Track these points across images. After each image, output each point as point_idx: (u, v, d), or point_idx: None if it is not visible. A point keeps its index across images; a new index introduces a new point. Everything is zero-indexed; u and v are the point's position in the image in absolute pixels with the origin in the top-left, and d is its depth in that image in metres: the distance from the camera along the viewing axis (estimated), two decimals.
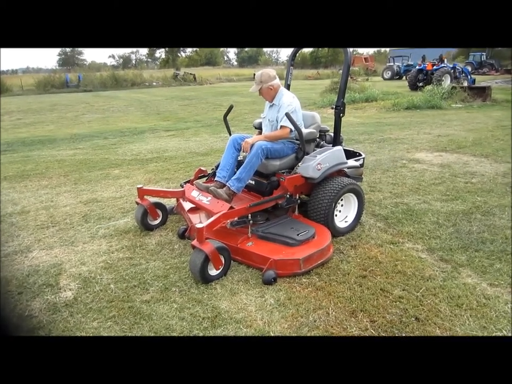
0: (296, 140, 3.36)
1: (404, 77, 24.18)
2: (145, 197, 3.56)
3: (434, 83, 14.38)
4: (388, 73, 27.47)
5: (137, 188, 3.54)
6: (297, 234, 2.93)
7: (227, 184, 3.21)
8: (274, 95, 3.37)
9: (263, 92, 3.34)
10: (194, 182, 3.57)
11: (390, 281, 2.67)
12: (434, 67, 16.97)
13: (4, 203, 4.40)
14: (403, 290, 2.57)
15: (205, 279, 2.67)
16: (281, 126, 3.25)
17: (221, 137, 7.90)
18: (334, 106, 3.48)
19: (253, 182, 3.40)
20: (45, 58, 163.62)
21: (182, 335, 2.20)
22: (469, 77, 17.21)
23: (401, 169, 5.36)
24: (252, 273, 2.82)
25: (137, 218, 3.54)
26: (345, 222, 3.44)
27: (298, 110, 3.35)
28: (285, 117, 3.12)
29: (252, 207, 3.05)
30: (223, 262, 2.77)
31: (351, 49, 3.40)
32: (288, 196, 3.24)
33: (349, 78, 19.04)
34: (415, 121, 9.40)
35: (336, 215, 3.32)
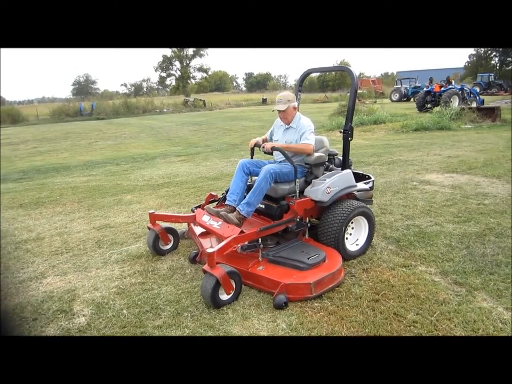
0: (306, 163, 3.42)
1: (412, 99, 24.38)
2: (157, 222, 3.62)
3: (443, 104, 14.47)
4: (396, 95, 27.73)
5: (149, 213, 3.60)
6: (308, 258, 2.93)
7: (237, 208, 3.24)
8: (293, 117, 3.46)
9: (287, 111, 3.40)
10: (205, 207, 3.60)
11: (404, 305, 2.63)
12: (442, 89, 17.11)
13: (20, 230, 4.49)
14: (417, 314, 2.53)
15: (216, 303, 2.66)
16: (304, 143, 3.32)
17: (231, 162, 8.02)
18: (342, 130, 3.54)
19: (263, 206, 3.42)
20: (60, 88, 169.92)
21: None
22: (477, 97, 17.28)
23: (412, 191, 5.34)
24: (263, 297, 2.81)
25: (149, 243, 3.58)
26: (356, 245, 3.42)
27: (314, 133, 3.48)
28: (308, 135, 3.30)
29: (262, 231, 3.06)
30: (234, 286, 2.76)
31: (357, 72, 3.42)
32: (297, 219, 3.25)
33: (357, 101, 19.28)
34: (424, 143, 9.42)
35: (347, 238, 3.31)
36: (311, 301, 2.73)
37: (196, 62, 52.42)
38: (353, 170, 3.82)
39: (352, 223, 3.35)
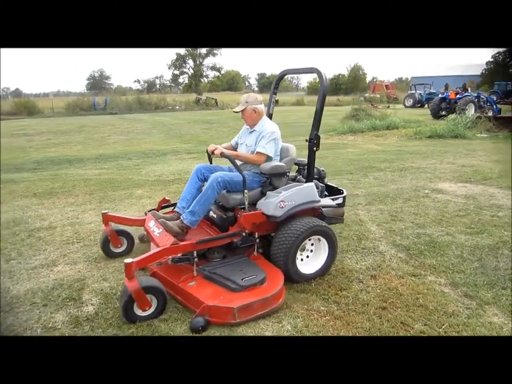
0: (262, 173, 3.14)
1: (426, 105, 24.13)
2: (110, 223, 3.44)
3: (458, 112, 14.28)
4: (410, 101, 27.47)
5: (102, 213, 3.39)
6: (242, 279, 2.65)
7: (181, 217, 3.02)
8: (256, 121, 3.25)
9: (246, 114, 3.21)
10: (150, 212, 3.35)
11: (411, 315, 2.60)
12: (458, 96, 16.88)
13: (33, 218, 4.57)
14: (424, 325, 2.50)
15: (129, 318, 2.45)
16: (257, 152, 3.12)
17: None
18: (307, 139, 3.15)
19: (215, 216, 3.16)
20: (75, 82, 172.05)
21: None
22: (494, 106, 17.00)
23: (424, 199, 5.28)
24: None
25: (100, 245, 3.43)
26: (313, 267, 3.08)
27: (279, 140, 3.23)
28: (264, 144, 3.08)
29: (199, 244, 2.80)
30: (153, 303, 2.52)
31: (325, 75, 3.00)
32: (244, 234, 2.95)
33: (370, 105, 18.96)
34: (437, 150, 9.32)
35: (302, 260, 3.04)
36: (317, 304, 2.72)
37: (208, 61, 52.61)
38: (327, 183, 3.67)
39: (312, 244, 3.09)
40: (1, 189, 6.04)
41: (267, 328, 2.46)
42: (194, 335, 2.37)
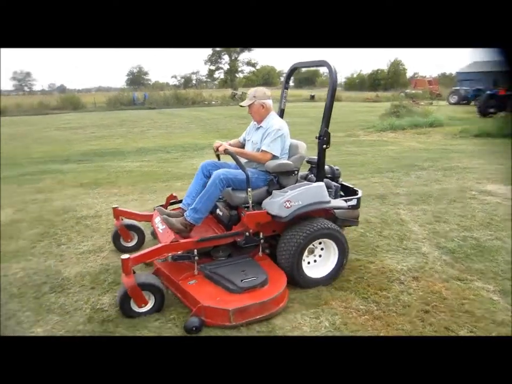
0: (273, 171, 2.98)
1: (472, 102, 22.89)
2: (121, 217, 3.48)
3: (509, 110, 13.44)
4: (454, 98, 26.15)
5: (112, 208, 3.43)
6: (242, 280, 2.56)
7: (184, 214, 2.95)
8: (264, 116, 3.12)
9: (253, 109, 3.09)
10: (156, 208, 3.32)
11: (456, 321, 2.49)
12: (508, 92, 15.86)
13: (80, 206, 4.83)
14: (470, 332, 2.38)
15: (127, 314, 2.46)
16: (262, 150, 3.00)
17: None
18: (317, 136, 2.98)
19: (221, 213, 3.08)
20: (115, 78, 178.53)
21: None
22: None
23: (470, 200, 5.03)
24: (307, 293, 2.80)
25: (112, 239, 3.48)
26: (321, 272, 2.92)
27: (287, 137, 3.09)
28: (269, 142, 2.95)
29: (200, 242, 2.73)
30: (150, 300, 2.51)
31: (335, 68, 2.82)
32: (248, 234, 2.84)
33: (411, 101, 18.24)
34: (486, 150, 8.83)
35: (308, 263, 2.90)
36: (356, 302, 2.67)
37: (244, 56, 52.57)
38: (342, 183, 3.48)
39: (322, 248, 2.93)
40: (51, 179, 6.42)
41: (304, 323, 2.46)
42: (190, 335, 2.32)
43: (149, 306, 2.51)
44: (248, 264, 2.80)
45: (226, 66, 52.27)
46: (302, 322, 2.47)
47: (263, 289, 2.57)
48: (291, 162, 3.02)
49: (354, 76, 60.64)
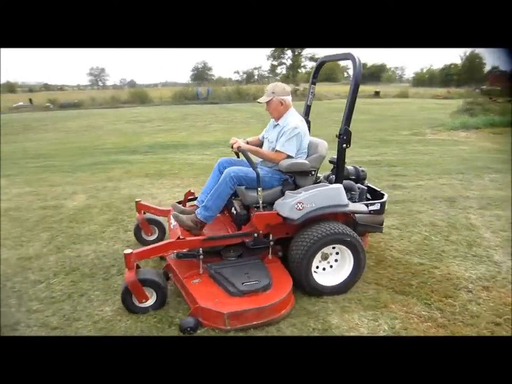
0: (286, 171, 2.85)
1: None
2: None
3: None
4: None
5: (136, 201, 3.53)
6: (243, 283, 2.47)
7: (195, 211, 2.91)
8: (282, 113, 2.96)
9: (271, 105, 2.94)
10: (172, 204, 3.29)
11: None
12: None
13: (145, 196, 5.13)
14: None
15: (129, 309, 2.50)
16: (277, 150, 2.87)
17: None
18: (337, 135, 2.79)
19: (235, 212, 2.99)
20: (181, 73, 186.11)
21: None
22: None
23: None
24: (365, 294, 2.74)
25: (133, 232, 3.56)
26: (332, 281, 2.75)
27: (304, 136, 2.91)
28: (284, 142, 2.81)
29: (207, 241, 2.70)
30: (151, 296, 2.52)
31: (359, 61, 2.62)
32: (256, 235, 2.74)
33: (488, 99, 16.73)
34: None
35: (324, 269, 2.76)
36: (418, 308, 2.55)
37: (307, 51, 51.87)
38: (368, 185, 3.26)
39: (337, 253, 2.75)
40: (120, 168, 6.90)
41: (362, 325, 2.40)
42: (185, 335, 2.29)
43: (151, 302, 2.53)
44: (254, 267, 2.68)
45: (288, 62, 52.02)
46: (360, 323, 2.42)
47: (264, 293, 2.45)
48: (307, 162, 2.84)
49: (424, 71, 57.18)
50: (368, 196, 3.24)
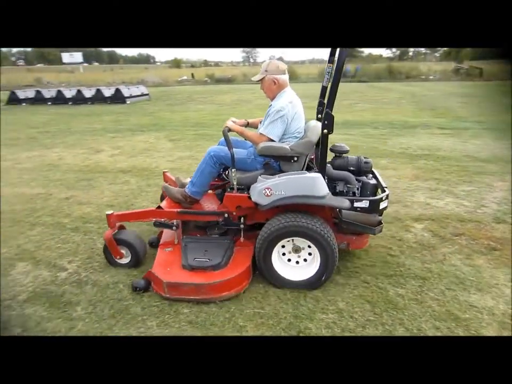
0: (260, 154, 2.71)
1: None
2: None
3: None
4: None
5: (163, 172, 3.77)
6: (194, 259, 2.61)
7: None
8: (275, 93, 2.81)
9: (264, 85, 2.81)
10: (175, 177, 3.51)
11: None
12: None
13: None
14: None
15: (109, 262, 2.91)
16: (260, 133, 2.73)
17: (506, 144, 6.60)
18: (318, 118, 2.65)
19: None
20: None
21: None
22: None
23: None
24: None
25: (160, 200, 3.67)
26: (298, 275, 2.60)
27: (293, 119, 2.70)
28: (267, 124, 2.68)
29: (181, 214, 2.90)
30: (126, 255, 2.87)
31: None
32: (226, 215, 2.81)
33: None
34: None
35: (297, 262, 2.64)
36: None
37: None
38: (377, 176, 2.84)
39: (310, 247, 2.56)
40: None
41: None
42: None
43: (126, 260, 2.89)
44: (217, 246, 2.77)
45: None
46: None
47: (212, 272, 2.54)
48: (284, 146, 2.64)
49: None
50: (380, 192, 2.76)
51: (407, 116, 10.53)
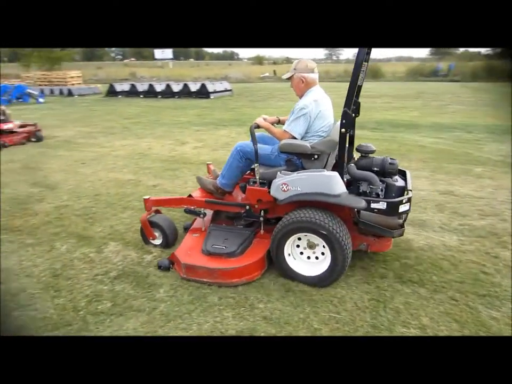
0: (281, 151, 2.82)
1: None
2: None
3: None
4: None
5: (207, 164, 3.79)
6: (212, 245, 2.80)
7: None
8: (303, 91, 2.86)
9: (293, 83, 2.88)
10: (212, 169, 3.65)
11: None
12: None
13: None
14: None
15: (144, 241, 3.21)
16: (284, 130, 2.82)
17: None
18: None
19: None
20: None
21: None
22: None
23: None
24: None
25: None
26: (310, 271, 2.64)
27: (317, 117, 2.75)
28: (291, 121, 2.77)
29: (208, 203, 3.11)
30: (159, 237, 3.14)
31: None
32: (248, 207, 2.93)
33: None
34: None
35: (308, 257, 2.68)
36: None
37: None
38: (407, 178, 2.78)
39: (324, 247, 2.56)
40: None
41: None
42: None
43: (158, 241, 3.16)
44: (237, 236, 2.90)
45: None
46: None
47: (226, 259, 2.70)
48: (306, 144, 2.71)
49: None
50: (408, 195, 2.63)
51: (507, 120, 9.40)
